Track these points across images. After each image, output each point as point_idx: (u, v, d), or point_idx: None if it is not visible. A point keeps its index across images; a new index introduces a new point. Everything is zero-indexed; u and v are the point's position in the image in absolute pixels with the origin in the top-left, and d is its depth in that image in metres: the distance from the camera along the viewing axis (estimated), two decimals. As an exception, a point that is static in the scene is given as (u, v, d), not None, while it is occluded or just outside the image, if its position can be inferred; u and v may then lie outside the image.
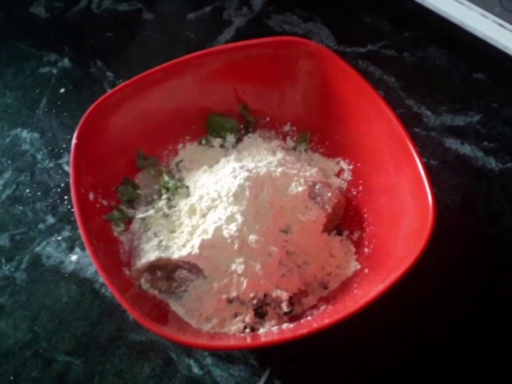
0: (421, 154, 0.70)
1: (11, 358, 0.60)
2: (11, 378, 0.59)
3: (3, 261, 0.65)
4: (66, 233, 0.67)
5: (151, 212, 0.58)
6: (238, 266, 0.55)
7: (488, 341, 0.61)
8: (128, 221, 0.60)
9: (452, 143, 0.73)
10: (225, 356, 0.60)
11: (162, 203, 0.59)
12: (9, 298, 0.63)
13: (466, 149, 0.72)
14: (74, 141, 0.57)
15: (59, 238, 0.67)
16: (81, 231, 0.53)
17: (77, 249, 0.66)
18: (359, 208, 0.63)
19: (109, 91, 0.61)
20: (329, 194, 0.61)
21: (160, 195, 0.61)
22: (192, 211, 0.57)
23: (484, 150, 0.72)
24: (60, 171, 0.71)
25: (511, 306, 0.64)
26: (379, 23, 0.83)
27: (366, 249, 0.60)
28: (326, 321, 0.49)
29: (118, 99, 0.61)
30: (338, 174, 0.66)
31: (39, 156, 0.72)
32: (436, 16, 0.75)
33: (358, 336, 0.59)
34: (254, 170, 0.59)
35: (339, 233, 0.63)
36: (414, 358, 0.60)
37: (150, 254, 0.56)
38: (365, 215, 0.62)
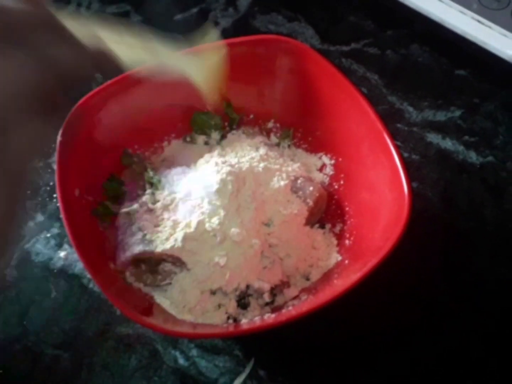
0: (402, 149, 0.73)
1: (1, 352, 0.61)
2: (1, 371, 0.60)
3: (-7, 258, 0.67)
4: (55, 230, 0.68)
5: (135, 206, 0.60)
6: (220, 259, 0.56)
7: (469, 332, 0.62)
8: (114, 216, 0.62)
9: (433, 138, 0.74)
10: (210, 347, 0.61)
11: (146, 197, 0.60)
12: (0, 294, 0.65)
13: (447, 144, 0.74)
14: (59, 138, 0.58)
15: (48, 235, 0.68)
16: (66, 226, 0.54)
17: (66, 246, 0.67)
18: (341, 201, 0.65)
19: (94, 90, 0.62)
20: (311, 188, 0.62)
21: (145, 190, 0.62)
22: (167, 207, 0.58)
23: (465, 144, 0.74)
24: (49, 170, 0.72)
25: (492, 298, 0.65)
26: (362, 22, 0.85)
27: (347, 241, 0.62)
28: (305, 308, 0.50)
29: (102, 97, 0.62)
30: (321, 169, 0.67)
31: (28, 156, 0.74)
32: (418, 15, 0.77)
33: (340, 325, 0.61)
34: (236, 165, 0.60)
35: (322, 226, 0.64)
36: (393, 345, 0.61)
37: (134, 247, 0.57)
38: (347, 208, 0.64)
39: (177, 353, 0.61)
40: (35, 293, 0.65)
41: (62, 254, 0.67)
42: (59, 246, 0.67)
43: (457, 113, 0.76)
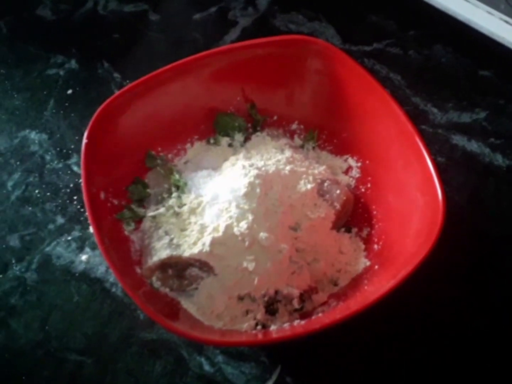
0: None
1: (23, 358, 0.60)
2: (23, 378, 0.59)
3: (13, 261, 0.66)
4: (76, 233, 0.67)
5: (161, 210, 0.59)
6: (249, 264, 0.55)
7: (501, 339, 0.61)
8: (139, 220, 0.61)
9: (459, 140, 0.73)
10: (236, 353, 0.60)
11: (172, 201, 0.59)
12: (20, 298, 0.64)
13: (473, 146, 0.73)
14: (84, 140, 0.57)
15: (69, 238, 0.67)
16: (93, 230, 0.54)
17: (87, 249, 0.66)
18: (368, 205, 0.64)
19: (118, 91, 0.61)
20: (338, 191, 0.61)
21: (170, 193, 0.61)
22: (194, 210, 0.57)
23: (491, 146, 0.73)
24: (69, 172, 0.71)
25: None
26: (384, 22, 0.83)
27: (375, 246, 0.60)
28: (337, 316, 0.49)
29: (127, 99, 0.61)
30: (346, 171, 0.66)
31: (47, 157, 0.73)
32: (441, 14, 0.76)
33: (369, 332, 0.59)
34: (263, 168, 0.59)
35: (348, 230, 0.63)
36: (426, 354, 0.60)
37: (161, 252, 0.56)
38: (374, 212, 0.63)
39: (203, 359, 0.60)
40: (56, 297, 0.64)
41: (83, 257, 0.66)
42: (81, 249, 0.66)
43: (482, 114, 0.75)
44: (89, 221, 0.54)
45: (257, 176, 0.57)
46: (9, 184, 0.71)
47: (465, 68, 0.79)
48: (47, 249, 0.66)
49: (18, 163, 0.72)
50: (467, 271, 0.65)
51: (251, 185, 0.56)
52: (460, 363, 0.60)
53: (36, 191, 0.70)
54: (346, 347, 0.60)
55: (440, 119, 0.75)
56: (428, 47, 0.81)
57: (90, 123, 0.58)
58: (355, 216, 0.64)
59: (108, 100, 0.60)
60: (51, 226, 0.68)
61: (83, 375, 0.59)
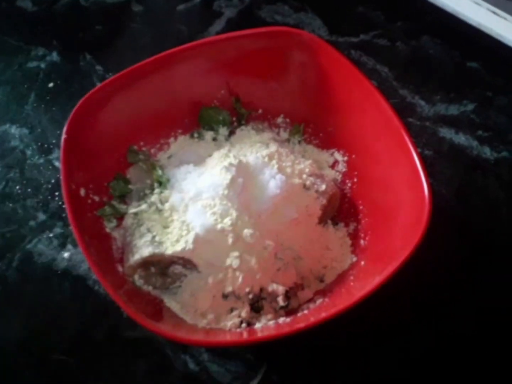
0: (415, 145, 0.71)
1: (4, 358, 0.59)
2: (4, 379, 0.58)
3: (-6, 259, 0.64)
4: (57, 230, 0.66)
5: (143, 207, 0.57)
6: (233, 261, 0.54)
7: (487, 335, 0.61)
8: (121, 216, 0.59)
9: (446, 132, 0.72)
10: (222, 351, 0.59)
11: (154, 197, 0.58)
12: (1, 297, 0.62)
13: (460, 139, 0.72)
14: (63, 136, 0.56)
15: (51, 235, 0.66)
16: (72, 227, 0.52)
17: (69, 246, 0.64)
18: (355, 200, 0.63)
19: (99, 85, 0.60)
20: (324, 186, 0.60)
21: (152, 189, 0.60)
22: (176, 207, 0.56)
23: (479, 139, 0.72)
24: (50, 167, 0.70)
25: (507, 296, 0.63)
26: (371, 13, 0.82)
27: (362, 241, 0.60)
28: (323, 314, 0.49)
29: (108, 92, 0.60)
30: (333, 165, 0.65)
31: (28, 152, 0.71)
32: (429, 5, 0.75)
33: (355, 329, 0.59)
34: (247, 164, 0.58)
35: (335, 226, 0.62)
36: (414, 350, 0.60)
37: (143, 250, 0.55)
38: (361, 207, 0.62)
39: (188, 358, 0.59)
40: (38, 295, 0.62)
41: (65, 254, 0.64)
42: (63, 246, 0.65)
43: (470, 107, 0.74)
44: (69, 218, 0.53)
45: (240, 172, 0.56)
46: (-11, 180, 0.69)
47: (453, 60, 0.78)
48: (28, 246, 0.65)
49: (-2, 158, 0.71)
50: (454, 265, 0.65)
51: (235, 181, 0.55)
52: (449, 362, 0.59)
53: (17, 187, 0.69)
54: (332, 345, 0.59)
55: (428, 111, 0.74)
56: (416, 39, 0.80)
57: (69, 118, 0.56)
58: (341, 211, 0.63)
59: (88, 94, 0.58)
60: (32, 223, 0.66)
61: (66, 375, 0.58)
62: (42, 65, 0.78)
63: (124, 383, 0.58)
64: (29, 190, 0.69)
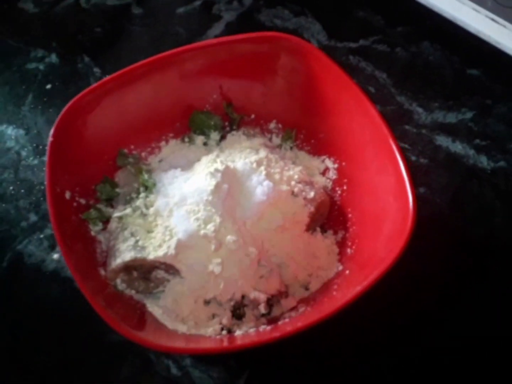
0: (410, 152, 0.70)
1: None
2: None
3: (-16, 259, 0.65)
4: (48, 231, 0.66)
5: (128, 211, 0.57)
6: (215, 267, 0.54)
7: (480, 347, 0.60)
8: (106, 220, 0.59)
9: (443, 140, 0.71)
10: (204, 357, 0.59)
11: (140, 202, 0.58)
12: (-11, 297, 0.63)
13: (457, 147, 0.71)
14: (50, 139, 0.56)
15: (41, 236, 0.66)
16: (54, 230, 0.53)
17: (59, 248, 0.65)
18: (344, 207, 0.62)
19: (88, 88, 0.59)
20: (312, 193, 0.60)
21: (139, 193, 0.60)
22: (161, 212, 0.56)
23: (476, 148, 0.71)
24: (44, 168, 0.70)
25: (502, 305, 0.62)
26: (371, 18, 0.81)
27: (349, 250, 0.59)
28: (300, 324, 0.48)
29: (97, 95, 0.60)
30: (324, 172, 0.65)
31: (23, 153, 0.72)
32: (429, 11, 0.73)
33: (336, 338, 0.58)
34: (234, 169, 0.57)
35: (323, 233, 0.62)
36: (397, 360, 0.59)
37: (125, 254, 0.55)
38: (349, 215, 0.61)
39: (170, 362, 0.59)
40: (26, 296, 0.63)
41: (55, 256, 0.64)
42: (52, 248, 0.65)
43: (469, 115, 0.73)
44: (51, 221, 0.53)
45: (226, 178, 0.56)
46: (-17, 180, 0.70)
47: (453, 66, 0.77)
48: (19, 247, 0.65)
49: (-7, 159, 0.72)
50: (447, 273, 0.64)
51: (219, 187, 0.55)
52: (437, 372, 0.59)
53: (11, 187, 0.69)
54: (314, 353, 0.58)
55: (425, 119, 0.73)
56: (416, 44, 0.79)
57: (56, 121, 0.57)
58: (330, 218, 0.63)
59: (76, 97, 0.58)
60: (23, 224, 0.67)
61: (50, 378, 0.58)
62: (41, 67, 0.78)
63: (106, 386, 0.58)
64: (22, 191, 0.69)
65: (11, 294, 0.63)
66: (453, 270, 0.64)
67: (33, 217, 0.67)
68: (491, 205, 0.68)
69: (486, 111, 0.73)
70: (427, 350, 0.60)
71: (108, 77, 0.60)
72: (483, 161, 0.70)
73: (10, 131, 0.73)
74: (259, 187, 0.57)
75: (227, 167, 0.57)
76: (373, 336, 0.60)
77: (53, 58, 0.79)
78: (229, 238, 0.54)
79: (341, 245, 0.60)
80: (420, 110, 0.74)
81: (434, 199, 0.67)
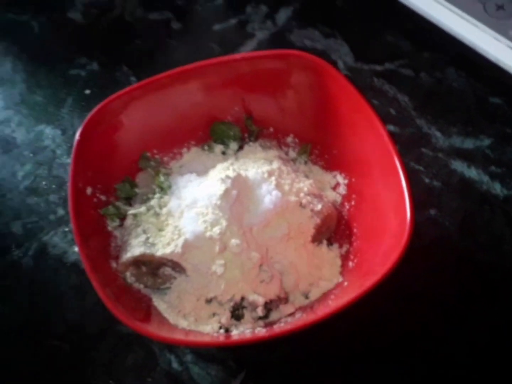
0: (424, 175, 0.71)
1: (3, 338, 0.64)
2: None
3: (13, 247, 0.70)
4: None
5: (142, 209, 0.61)
6: (217, 268, 0.57)
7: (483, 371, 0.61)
8: (123, 217, 0.63)
9: (458, 165, 0.72)
10: (205, 354, 0.62)
11: (154, 201, 0.61)
12: (14, 281, 0.67)
13: (472, 173, 0.72)
14: (77, 137, 0.60)
15: (66, 229, 0.70)
16: (72, 221, 0.56)
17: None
18: (351, 222, 0.64)
19: (116, 93, 0.64)
20: (319, 206, 0.62)
21: (155, 194, 0.63)
22: (172, 212, 0.59)
23: (490, 174, 0.71)
24: (75, 167, 0.75)
25: (504, 333, 0.63)
26: (400, 42, 0.83)
27: (350, 263, 0.61)
28: (288, 327, 0.50)
29: (124, 101, 0.64)
30: (335, 187, 0.67)
31: (58, 152, 0.77)
32: (452, 38, 0.75)
33: (335, 338, 0.60)
34: (245, 177, 0.60)
35: (329, 246, 0.64)
36: (392, 367, 0.60)
37: (135, 249, 0.58)
38: (355, 230, 0.63)
39: (172, 357, 0.62)
40: (47, 284, 0.67)
41: (76, 249, 0.69)
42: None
43: (487, 142, 0.74)
44: (69, 213, 0.57)
45: (235, 184, 0.59)
46: (20, 174, 0.75)
47: (475, 94, 0.78)
48: (45, 238, 0.70)
49: (31, 155, 0.77)
50: (451, 297, 0.64)
51: (227, 192, 0.58)
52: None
53: (43, 182, 0.74)
54: (309, 355, 0.60)
55: (443, 143, 0.74)
56: (440, 70, 0.80)
57: (84, 122, 0.61)
58: (337, 232, 0.65)
59: (104, 101, 0.63)
60: (51, 217, 0.72)
61: (58, 360, 0.62)
62: (82, 73, 0.84)
63: (110, 373, 0.61)
64: (54, 186, 0.74)
65: (33, 280, 0.67)
66: (458, 290, 0.65)
67: (60, 211, 0.72)
68: (501, 232, 0.68)
69: (505, 139, 0.74)
70: (428, 363, 0.61)
71: (135, 85, 0.65)
72: (497, 188, 0.70)
73: (48, 130, 0.79)
74: (268, 196, 0.60)
75: (238, 175, 0.60)
76: (370, 341, 0.61)
77: (95, 65, 0.84)
78: (233, 241, 0.57)
79: (345, 258, 0.62)
80: (438, 134, 0.75)
81: (444, 221, 0.68)
